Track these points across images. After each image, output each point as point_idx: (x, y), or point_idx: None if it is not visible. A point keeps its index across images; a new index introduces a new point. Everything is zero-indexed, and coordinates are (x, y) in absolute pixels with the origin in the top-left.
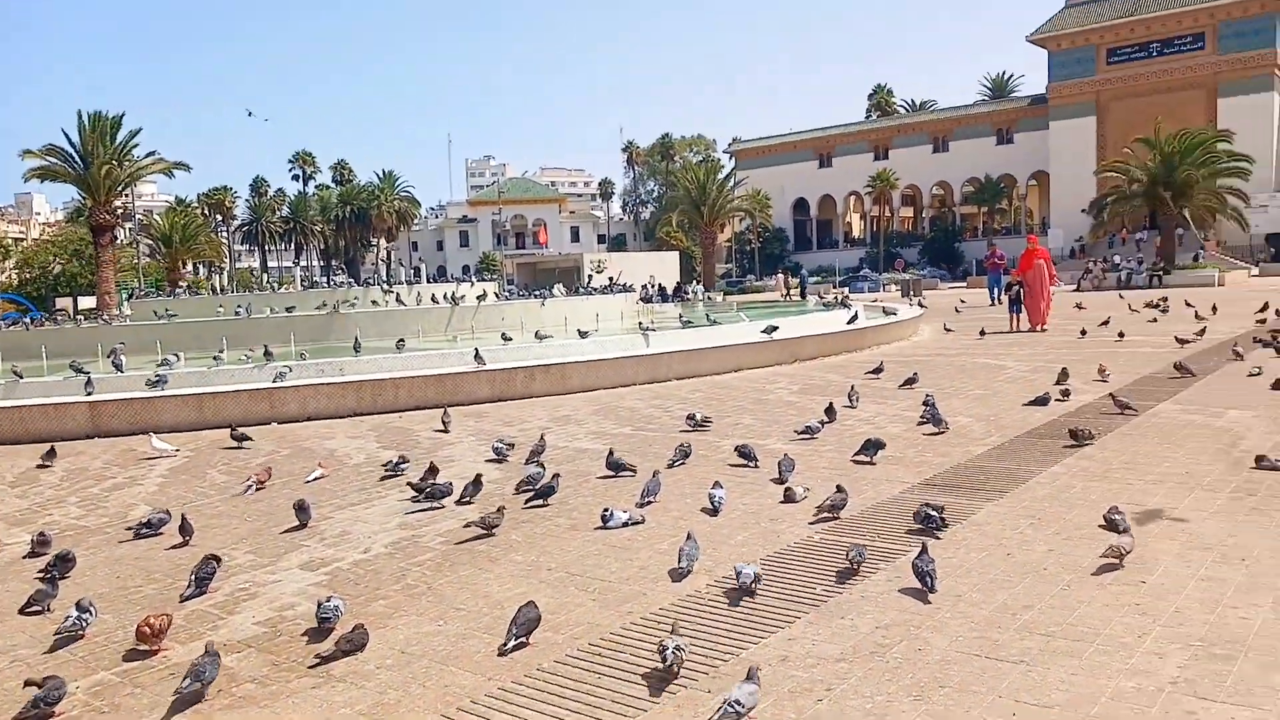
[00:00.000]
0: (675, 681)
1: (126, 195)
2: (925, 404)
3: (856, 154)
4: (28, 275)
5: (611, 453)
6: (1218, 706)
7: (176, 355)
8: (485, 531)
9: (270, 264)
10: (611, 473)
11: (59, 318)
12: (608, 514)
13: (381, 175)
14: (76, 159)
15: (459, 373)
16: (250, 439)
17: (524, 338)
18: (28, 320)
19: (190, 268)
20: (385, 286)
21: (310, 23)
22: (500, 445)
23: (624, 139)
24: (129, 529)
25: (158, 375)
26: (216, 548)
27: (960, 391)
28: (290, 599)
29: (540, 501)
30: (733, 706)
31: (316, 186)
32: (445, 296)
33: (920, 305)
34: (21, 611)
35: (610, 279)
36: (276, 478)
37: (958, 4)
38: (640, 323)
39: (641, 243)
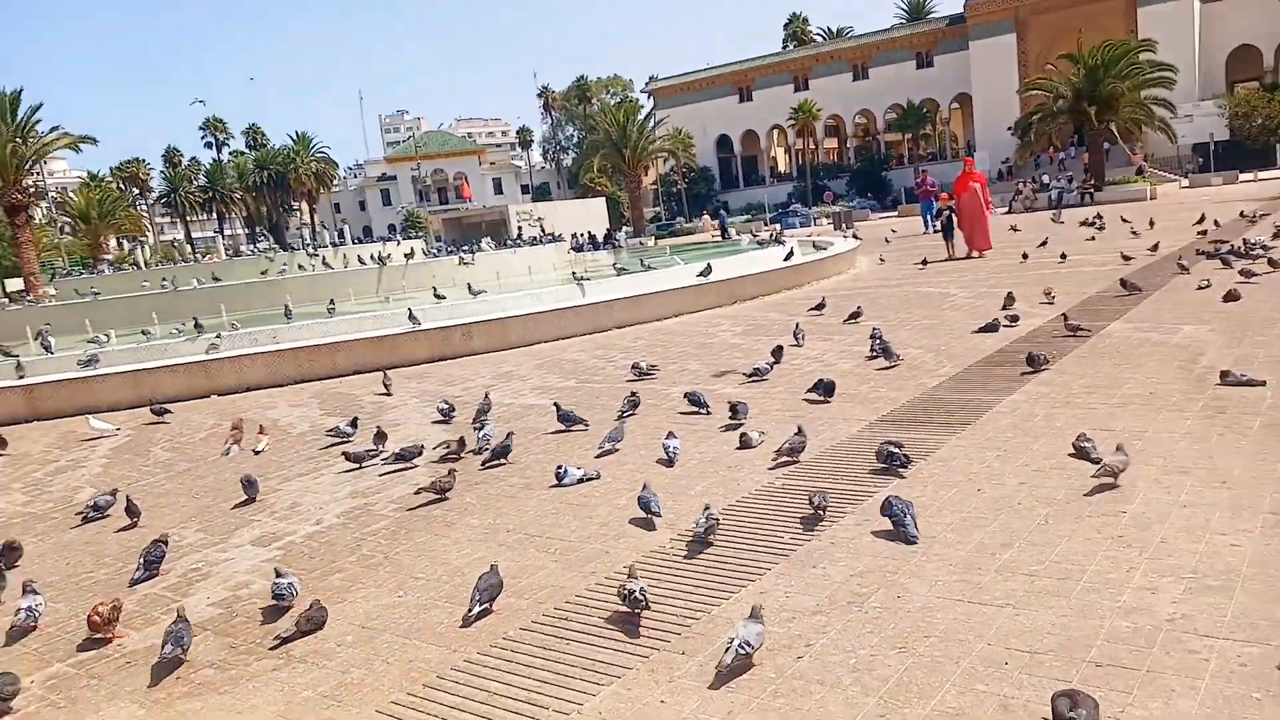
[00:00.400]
0: (649, 643)
1: (37, 173)
2: (873, 337)
3: (777, 86)
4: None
5: (558, 406)
6: (1222, 644)
7: (106, 334)
8: (438, 496)
9: (195, 234)
10: (563, 427)
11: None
12: (562, 471)
13: (296, 137)
14: None
15: (395, 334)
16: (169, 411)
17: (457, 295)
18: None
19: (115, 243)
20: (310, 250)
21: None
22: (445, 406)
23: (539, 84)
24: (77, 513)
25: (88, 355)
26: (166, 527)
27: (907, 323)
28: (244, 577)
29: (498, 462)
30: (743, 648)
31: (231, 153)
32: (372, 257)
33: (855, 238)
34: None
35: (544, 229)
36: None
37: None
38: (574, 273)
39: (566, 191)
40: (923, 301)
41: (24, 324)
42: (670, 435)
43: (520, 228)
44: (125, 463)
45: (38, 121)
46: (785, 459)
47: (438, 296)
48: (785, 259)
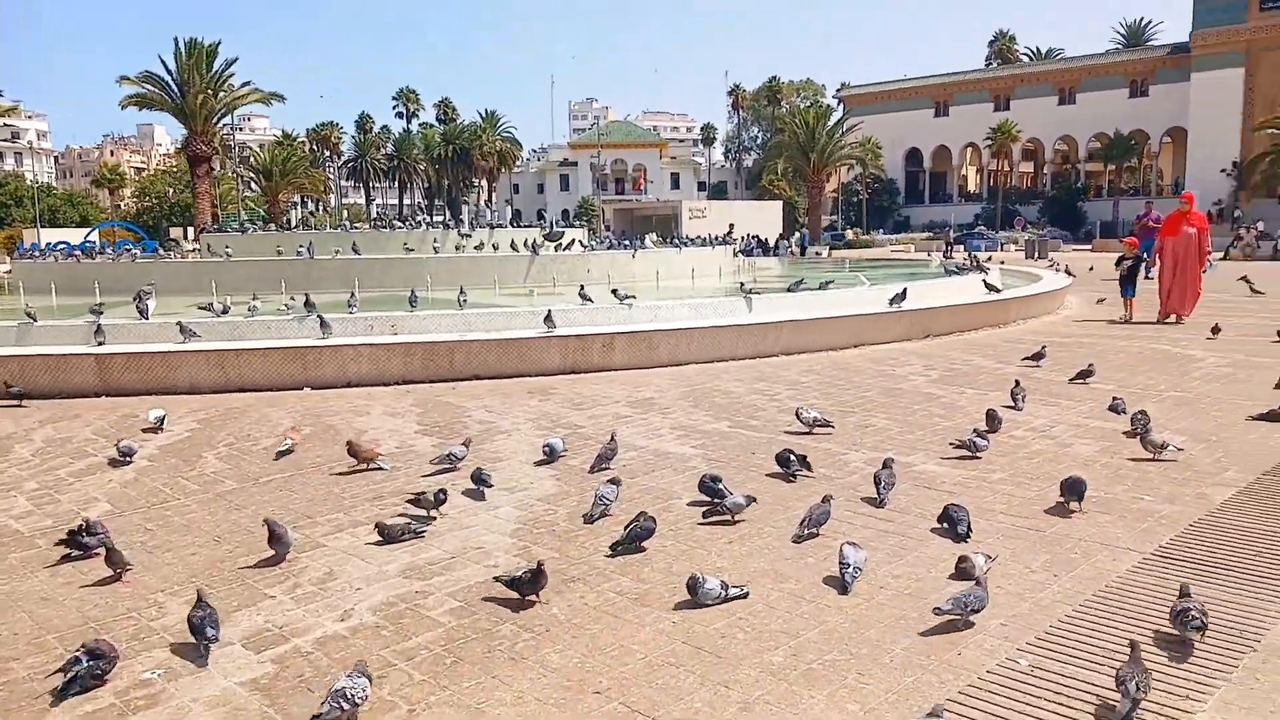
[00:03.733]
0: None
1: (226, 128)
2: (1114, 409)
3: (975, 103)
4: (145, 204)
5: (707, 483)
6: None
7: (222, 302)
8: (517, 596)
9: (376, 201)
10: (706, 499)
11: (169, 246)
12: (698, 582)
13: (484, 115)
14: (174, 87)
15: (526, 338)
16: (28, 396)
17: (607, 297)
18: (134, 250)
19: (298, 201)
20: (462, 231)
21: None
22: (552, 445)
23: (730, 82)
24: (57, 542)
25: (186, 325)
26: (155, 586)
27: (1151, 392)
28: (202, 715)
29: (635, 547)
30: None
31: (420, 125)
32: (525, 244)
33: (1068, 273)
34: None
35: (729, 230)
36: (285, 468)
37: None
38: (741, 283)
39: (743, 191)
40: (1163, 362)
41: (152, 277)
42: (850, 542)
43: (683, 227)
44: (166, 470)
45: (231, 75)
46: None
47: (583, 298)
48: (986, 289)
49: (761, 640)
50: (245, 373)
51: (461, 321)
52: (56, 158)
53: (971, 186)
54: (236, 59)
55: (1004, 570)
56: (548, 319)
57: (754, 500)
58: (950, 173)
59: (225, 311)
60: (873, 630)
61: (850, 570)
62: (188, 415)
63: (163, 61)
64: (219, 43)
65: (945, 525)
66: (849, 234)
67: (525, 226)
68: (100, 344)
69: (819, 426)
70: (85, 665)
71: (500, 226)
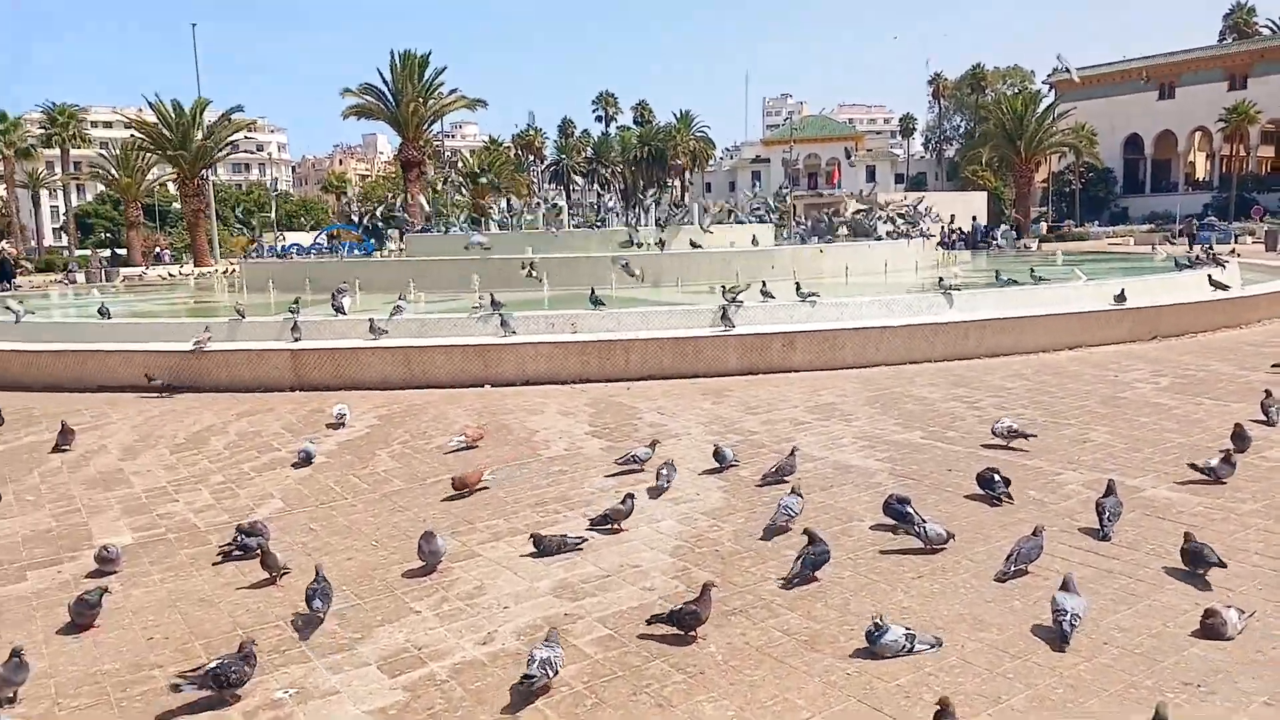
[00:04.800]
0: None
1: (437, 134)
2: None
3: (1206, 83)
4: (367, 209)
5: (893, 505)
6: None
7: (405, 298)
8: (678, 631)
9: (575, 200)
10: (893, 523)
11: (389, 247)
12: (879, 630)
13: (679, 115)
14: (389, 96)
15: (701, 336)
16: (174, 389)
17: (793, 292)
18: (358, 251)
19: (506, 204)
20: (632, 230)
21: None
22: (724, 453)
23: (930, 71)
24: (219, 549)
25: (376, 322)
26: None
27: None
28: None
29: (808, 576)
30: None
31: (618, 127)
32: (691, 243)
33: None
34: None
35: (922, 216)
36: (455, 467)
37: None
38: (940, 278)
39: (944, 182)
40: None
41: (357, 276)
42: (1066, 586)
43: (875, 222)
44: (340, 467)
45: (441, 84)
46: None
47: (765, 294)
48: (1214, 288)
49: (954, 704)
50: (429, 369)
51: (639, 319)
52: (294, 167)
53: (1200, 174)
54: (445, 68)
55: (1265, 629)
56: (724, 317)
57: (952, 537)
58: (1175, 159)
59: (398, 310)
60: (1095, 700)
61: (1068, 620)
62: (370, 411)
63: (380, 73)
64: (430, 53)
65: (1190, 564)
66: (1065, 226)
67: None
68: (296, 339)
69: (1015, 438)
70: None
71: (686, 223)
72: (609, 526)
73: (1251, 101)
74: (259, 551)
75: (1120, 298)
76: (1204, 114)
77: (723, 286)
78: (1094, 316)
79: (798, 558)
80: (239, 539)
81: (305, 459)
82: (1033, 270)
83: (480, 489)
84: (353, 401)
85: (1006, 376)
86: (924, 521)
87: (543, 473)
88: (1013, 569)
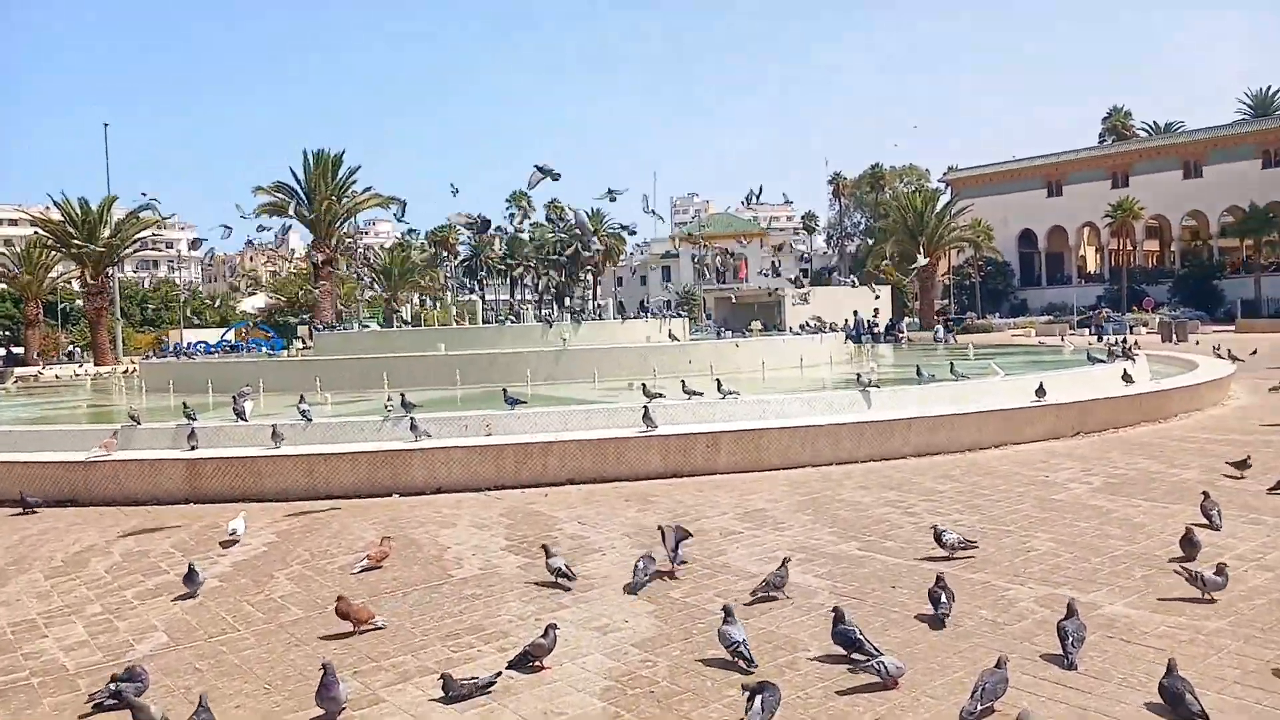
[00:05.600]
0: None
1: (349, 231)
2: None
3: (1091, 181)
4: (278, 303)
5: (839, 620)
6: None
7: (305, 400)
8: None
9: (489, 297)
10: (844, 652)
11: (296, 345)
12: None
13: (591, 214)
14: (302, 195)
15: (623, 437)
16: (41, 505)
17: (714, 389)
18: (265, 349)
19: (416, 300)
20: (549, 323)
21: (524, 73)
22: (644, 564)
23: (830, 170)
24: (88, 700)
25: (278, 428)
26: None
27: None
28: None
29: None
30: None
31: (531, 224)
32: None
33: (1232, 357)
34: None
35: (817, 320)
36: (358, 591)
37: (1202, 17)
38: (859, 374)
39: (845, 275)
40: None
41: (262, 376)
42: None
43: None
44: (234, 593)
45: (354, 182)
46: None
47: (689, 392)
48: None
49: None
50: (333, 478)
51: (559, 419)
52: (204, 264)
53: (1091, 267)
54: (359, 166)
55: None
56: (646, 416)
57: (902, 671)
58: (1067, 253)
59: (304, 415)
60: None
61: None
62: (269, 526)
63: (292, 172)
64: (343, 152)
65: (1166, 704)
66: (968, 318)
67: (642, 316)
68: (193, 448)
69: (962, 548)
70: None
71: (591, 318)
72: (530, 664)
73: (1134, 198)
74: (129, 706)
75: (1040, 392)
76: (1090, 210)
77: (642, 385)
78: (1019, 413)
79: (747, 700)
80: (111, 687)
81: (194, 585)
82: (952, 366)
83: (369, 629)
84: (253, 514)
85: (937, 478)
86: (878, 653)
87: (455, 597)
88: (979, 708)
